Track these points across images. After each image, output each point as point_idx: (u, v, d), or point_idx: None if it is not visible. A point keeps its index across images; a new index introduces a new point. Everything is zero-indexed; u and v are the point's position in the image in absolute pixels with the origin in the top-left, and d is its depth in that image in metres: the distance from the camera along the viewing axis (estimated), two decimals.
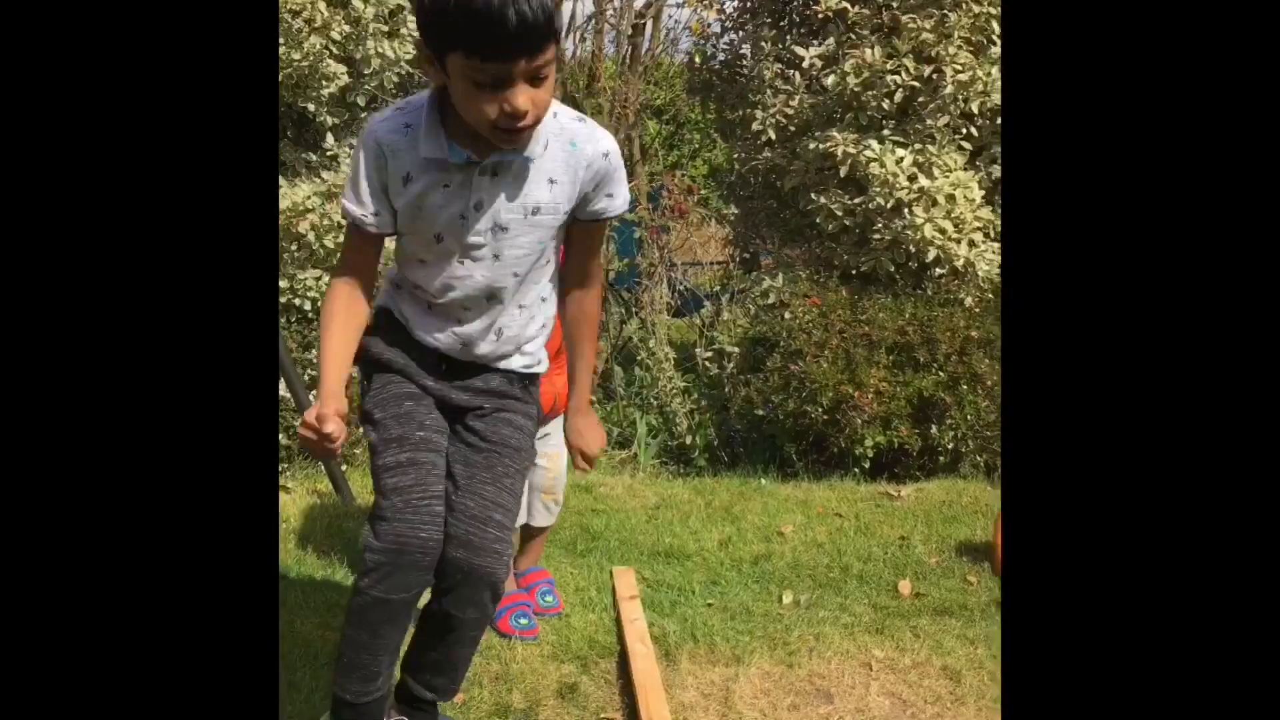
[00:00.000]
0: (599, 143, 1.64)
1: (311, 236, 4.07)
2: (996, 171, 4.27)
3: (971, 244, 4.13)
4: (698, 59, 5.16)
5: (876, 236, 4.18)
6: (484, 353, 1.76)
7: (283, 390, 3.27)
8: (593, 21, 6.94)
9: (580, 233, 1.74)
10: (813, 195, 4.32)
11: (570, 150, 1.62)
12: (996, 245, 4.26)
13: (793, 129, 4.46)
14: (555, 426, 2.43)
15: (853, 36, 4.37)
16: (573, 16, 6.96)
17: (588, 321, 1.85)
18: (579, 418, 1.90)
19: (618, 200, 1.70)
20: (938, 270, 4.17)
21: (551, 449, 2.50)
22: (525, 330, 1.77)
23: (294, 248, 4.06)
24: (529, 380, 1.84)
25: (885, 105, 4.22)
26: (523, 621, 2.45)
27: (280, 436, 3.86)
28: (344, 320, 1.71)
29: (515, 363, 1.80)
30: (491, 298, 1.70)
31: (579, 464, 1.91)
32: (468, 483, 1.75)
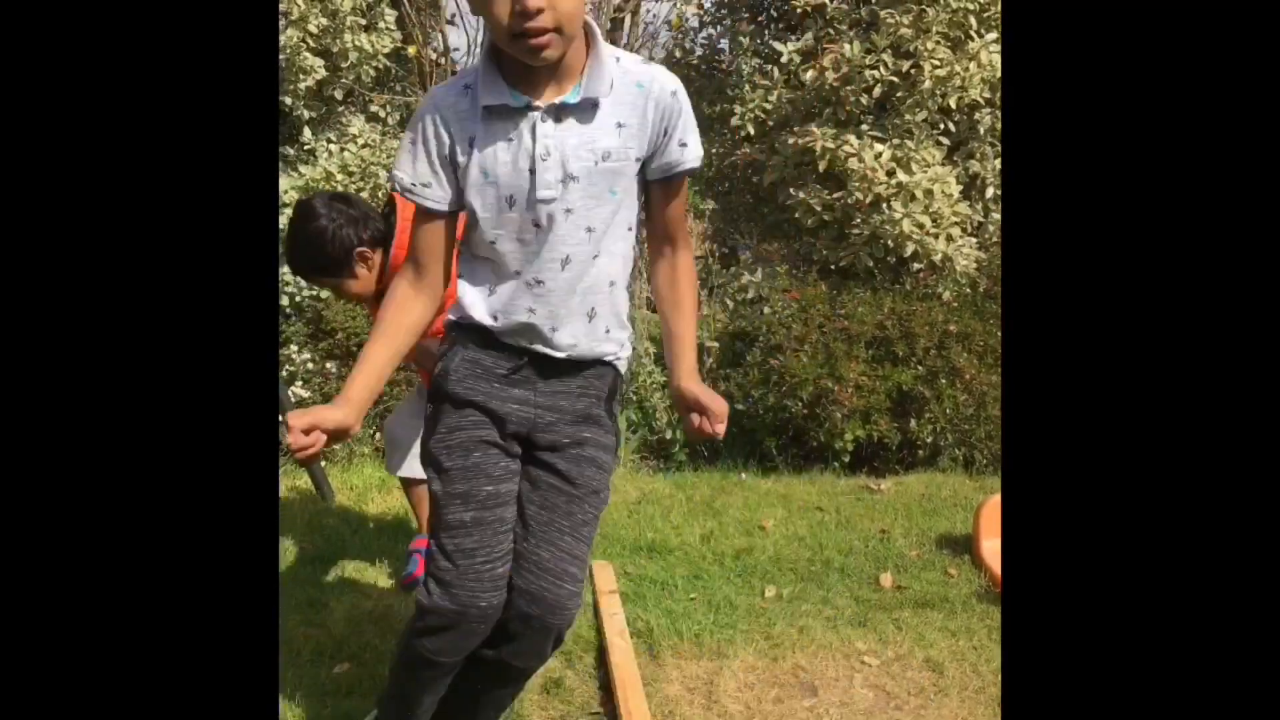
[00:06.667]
0: (666, 83, 1.55)
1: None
2: (974, 166, 4.29)
3: (949, 239, 4.15)
4: (677, 53, 5.16)
5: (855, 231, 4.20)
6: (572, 337, 1.61)
7: None
8: None
9: (659, 193, 1.63)
10: (791, 190, 4.33)
11: (636, 91, 1.54)
12: (974, 240, 4.29)
13: (771, 124, 4.47)
14: None
15: (831, 31, 4.38)
16: None
17: (684, 280, 1.67)
18: (692, 383, 1.61)
19: (691, 150, 1.59)
20: (916, 265, 4.19)
21: None
22: (609, 304, 1.63)
23: None
24: (613, 394, 1.69)
25: (864, 100, 4.23)
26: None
27: None
28: (395, 323, 1.59)
29: (605, 347, 1.64)
30: (567, 263, 1.57)
31: (711, 428, 1.58)
32: (544, 531, 1.64)
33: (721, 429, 1.58)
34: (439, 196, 1.56)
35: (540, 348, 1.61)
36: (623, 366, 1.71)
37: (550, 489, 1.65)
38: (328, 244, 2.35)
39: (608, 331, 1.64)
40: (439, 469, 1.63)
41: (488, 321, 1.60)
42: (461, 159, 1.54)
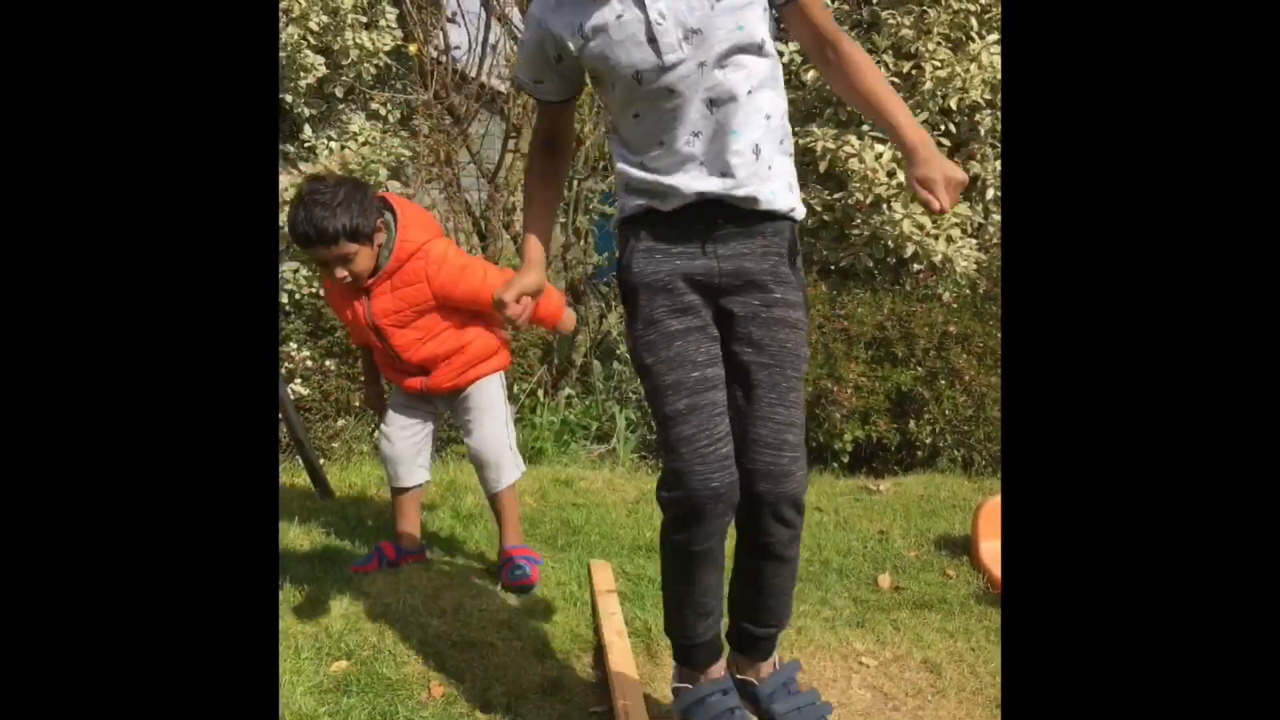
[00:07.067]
0: None
1: (288, 229, 4.04)
2: (974, 168, 4.29)
3: (949, 240, 4.15)
4: None
5: (855, 232, 4.20)
6: (740, 173, 1.62)
7: None
8: None
9: (791, 15, 1.67)
10: None
11: None
12: (974, 241, 4.29)
13: None
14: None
15: None
16: None
17: (861, 71, 1.62)
18: (922, 169, 1.50)
19: None
20: (915, 266, 4.19)
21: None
22: (770, 138, 1.65)
23: None
24: (794, 251, 1.73)
25: None
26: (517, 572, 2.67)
27: None
28: (542, 188, 1.80)
29: (778, 199, 1.67)
30: (714, 105, 1.60)
31: (942, 201, 1.49)
32: (754, 409, 1.68)
33: (947, 203, 1.50)
34: (552, 90, 1.74)
35: (713, 190, 1.63)
36: (799, 215, 1.74)
37: (750, 366, 1.69)
38: (366, 205, 2.48)
39: (770, 168, 1.66)
40: (643, 367, 1.69)
41: (653, 178, 1.65)
42: (574, 46, 1.62)
